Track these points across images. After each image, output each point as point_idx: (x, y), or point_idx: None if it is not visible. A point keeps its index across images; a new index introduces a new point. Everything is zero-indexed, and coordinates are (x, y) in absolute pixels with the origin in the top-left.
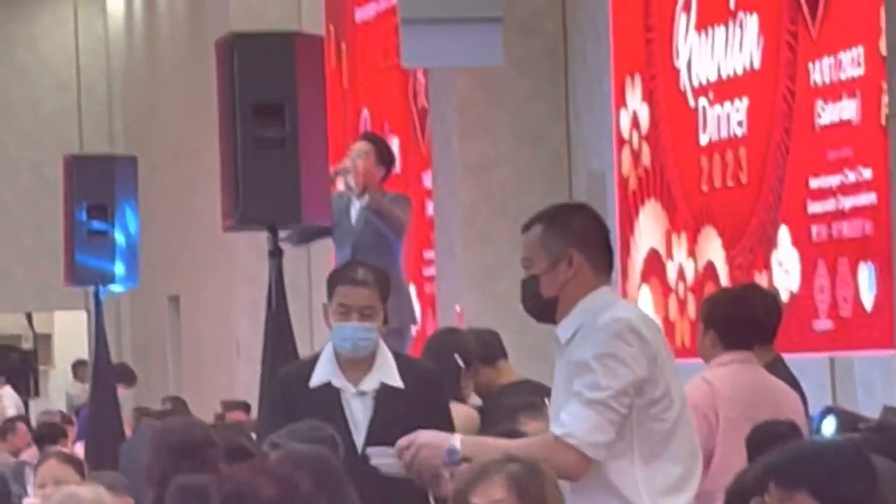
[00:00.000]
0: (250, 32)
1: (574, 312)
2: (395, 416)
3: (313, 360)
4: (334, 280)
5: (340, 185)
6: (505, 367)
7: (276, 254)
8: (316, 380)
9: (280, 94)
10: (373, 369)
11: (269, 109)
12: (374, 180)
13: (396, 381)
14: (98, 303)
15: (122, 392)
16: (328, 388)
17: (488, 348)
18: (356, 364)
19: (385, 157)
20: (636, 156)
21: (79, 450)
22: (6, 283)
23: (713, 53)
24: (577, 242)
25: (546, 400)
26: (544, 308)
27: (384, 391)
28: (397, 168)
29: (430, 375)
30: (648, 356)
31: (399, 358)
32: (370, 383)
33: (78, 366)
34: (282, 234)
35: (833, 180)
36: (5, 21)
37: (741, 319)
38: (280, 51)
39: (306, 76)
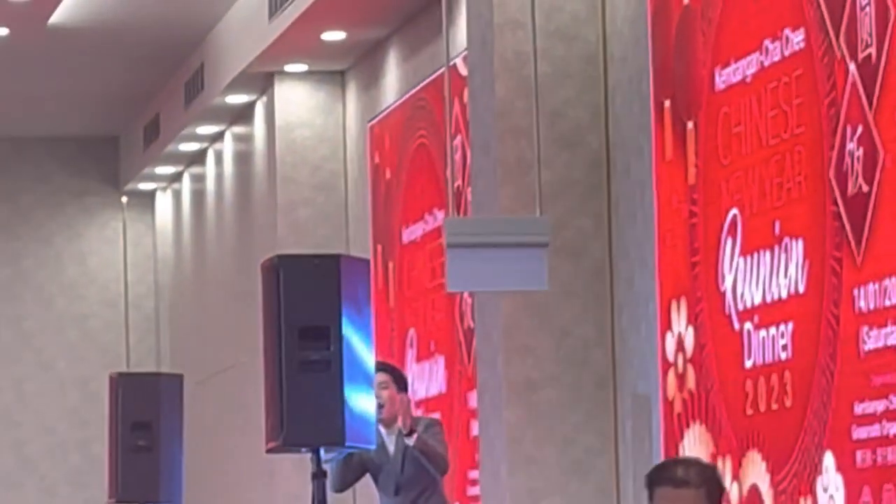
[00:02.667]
0: (295, 255)
1: None
2: None
3: None
4: (652, 481)
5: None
6: None
7: (318, 475)
8: None
9: (325, 317)
10: None
11: (314, 332)
12: (403, 407)
13: None
14: None
15: None
16: None
17: None
18: None
19: (401, 382)
20: (681, 379)
21: None
22: (52, 498)
23: (758, 278)
24: None
25: None
26: None
27: None
28: (442, 387)
29: None
30: None
31: None
32: None
33: None
34: (325, 455)
35: (878, 406)
36: (54, 237)
37: None
38: (325, 273)
39: (352, 298)
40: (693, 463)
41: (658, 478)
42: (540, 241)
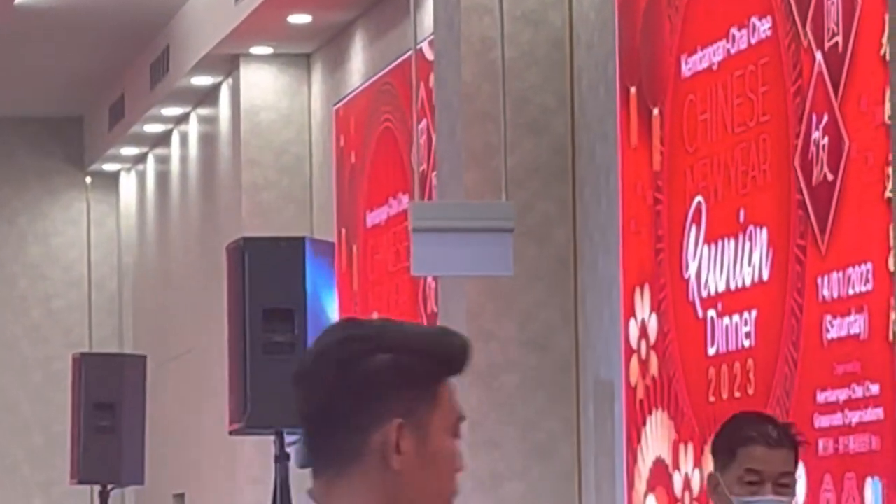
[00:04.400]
0: (261, 237)
1: None
2: None
3: None
4: (735, 440)
5: None
6: None
7: (282, 458)
8: None
9: (290, 299)
10: None
11: (278, 314)
12: None
13: None
14: (104, 501)
15: None
16: None
17: None
18: None
19: None
20: (644, 365)
21: None
22: (13, 478)
23: (722, 265)
24: None
25: None
26: None
27: None
28: None
29: None
30: None
31: None
32: None
33: None
34: (288, 438)
35: (840, 394)
36: (18, 216)
37: None
38: (290, 255)
39: (316, 281)
40: (780, 421)
41: (744, 436)
42: (505, 226)
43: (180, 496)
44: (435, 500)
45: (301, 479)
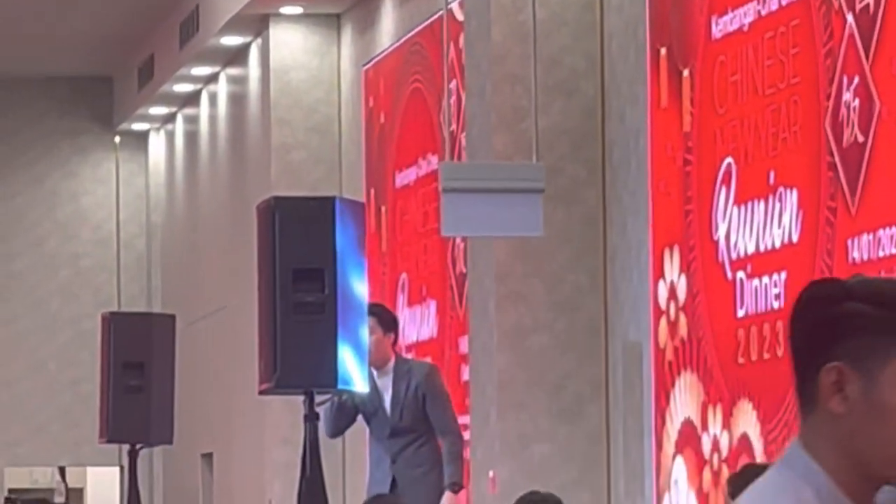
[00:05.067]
0: (291, 196)
1: None
2: None
3: None
4: None
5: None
6: None
7: (311, 418)
8: None
9: (320, 259)
10: None
11: (308, 274)
12: (387, 351)
13: None
14: (132, 460)
15: None
16: None
17: None
18: None
19: (389, 323)
20: (673, 327)
21: None
22: (42, 437)
23: (752, 227)
24: None
25: None
26: None
27: None
28: (433, 332)
29: None
30: None
31: None
32: None
33: None
34: (318, 398)
35: None
36: (47, 176)
37: None
38: (320, 215)
39: (346, 240)
40: None
41: None
42: (535, 188)
43: (208, 455)
44: (887, 453)
45: (329, 441)
